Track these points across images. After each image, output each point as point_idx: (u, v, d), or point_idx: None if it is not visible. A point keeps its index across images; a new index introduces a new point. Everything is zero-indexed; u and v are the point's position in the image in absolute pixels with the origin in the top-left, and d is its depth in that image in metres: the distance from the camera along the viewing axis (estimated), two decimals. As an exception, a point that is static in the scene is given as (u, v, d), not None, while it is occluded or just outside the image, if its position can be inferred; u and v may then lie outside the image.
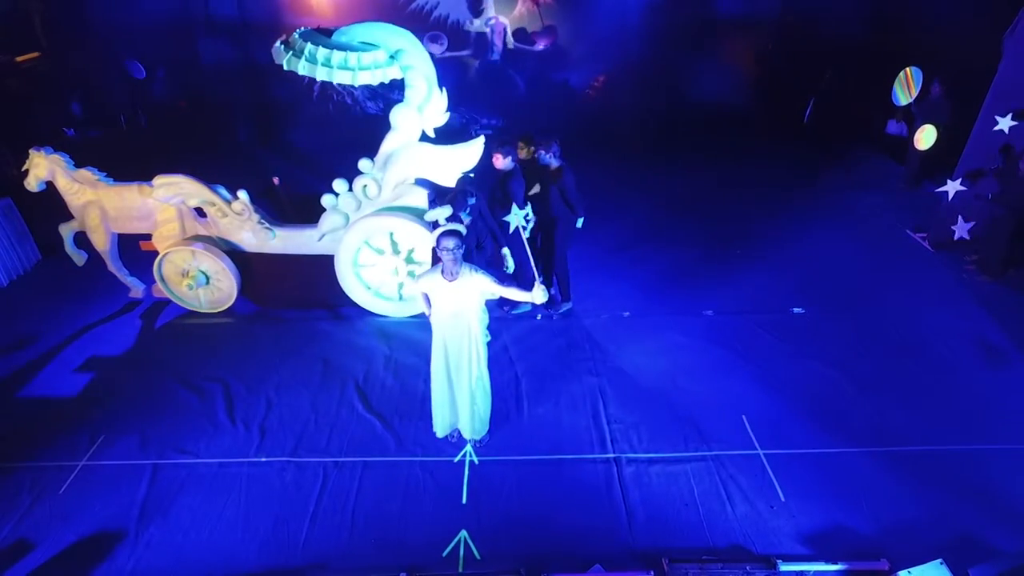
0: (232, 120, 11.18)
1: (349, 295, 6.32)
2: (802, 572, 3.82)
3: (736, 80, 10.63)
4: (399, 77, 5.58)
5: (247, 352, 5.94)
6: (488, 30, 10.69)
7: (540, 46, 10.75)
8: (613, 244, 7.80)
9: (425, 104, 5.68)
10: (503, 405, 5.21)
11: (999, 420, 5.03)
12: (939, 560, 3.66)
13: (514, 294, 4.33)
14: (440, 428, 4.85)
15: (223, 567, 3.98)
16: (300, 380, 5.58)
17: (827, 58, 10.06)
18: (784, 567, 3.80)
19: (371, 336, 6.17)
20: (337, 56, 5.25)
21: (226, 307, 6.42)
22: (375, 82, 5.41)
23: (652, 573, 3.79)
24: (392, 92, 10.82)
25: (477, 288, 4.25)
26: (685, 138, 10.82)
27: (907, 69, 7.70)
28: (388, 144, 5.79)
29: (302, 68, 5.27)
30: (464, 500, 4.43)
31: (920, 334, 6.07)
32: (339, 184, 5.92)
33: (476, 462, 4.74)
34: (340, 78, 5.27)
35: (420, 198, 6.04)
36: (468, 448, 4.83)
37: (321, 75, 5.25)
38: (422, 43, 5.75)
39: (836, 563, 3.84)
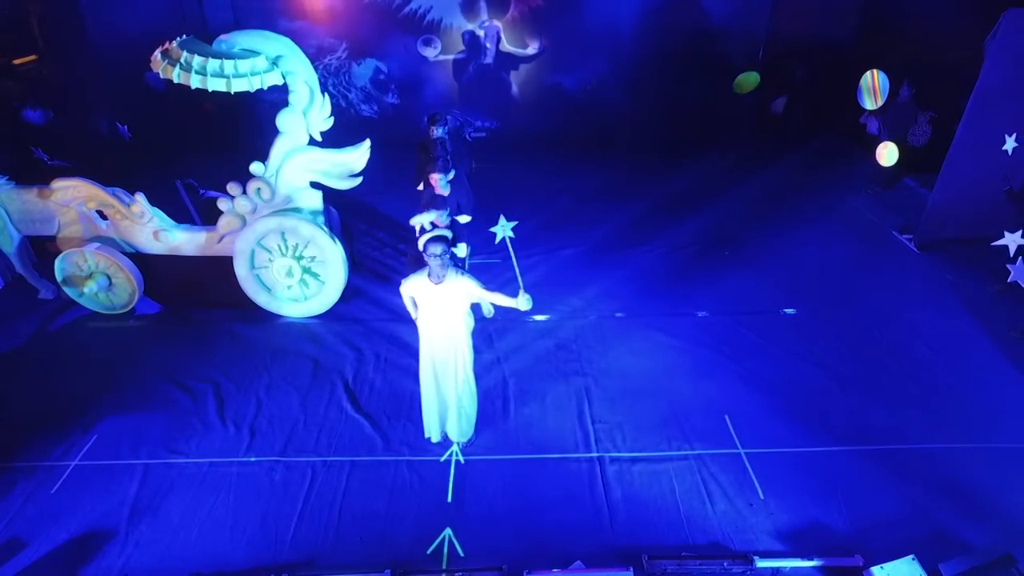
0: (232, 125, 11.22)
1: (249, 295, 6.42)
2: (778, 568, 3.90)
3: (726, 84, 10.69)
4: (280, 83, 5.72)
5: (238, 353, 6.02)
6: (482, 33, 10.75)
7: (533, 49, 10.82)
8: (603, 245, 7.85)
9: (309, 108, 5.86)
10: (490, 406, 5.29)
11: (973, 419, 5.12)
12: (911, 556, 3.77)
13: (499, 299, 4.40)
14: (433, 432, 4.92)
15: (212, 565, 4.06)
16: (290, 380, 5.65)
17: (814, 59, 10.15)
18: (761, 563, 3.88)
19: (361, 337, 6.24)
20: (212, 64, 5.34)
21: (128, 308, 6.49)
22: (253, 88, 5.52)
23: (631, 569, 3.87)
24: (385, 95, 11.03)
25: (463, 291, 4.32)
26: (675, 141, 10.88)
27: (874, 73, 7.49)
28: (277, 148, 5.96)
29: (176, 76, 5.34)
30: (449, 499, 4.52)
31: (902, 334, 6.15)
32: (233, 187, 6.05)
33: (462, 461, 4.82)
34: (214, 85, 5.37)
35: (315, 199, 6.22)
36: (454, 448, 4.91)
37: (195, 83, 5.35)
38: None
39: (811, 559, 3.94)
